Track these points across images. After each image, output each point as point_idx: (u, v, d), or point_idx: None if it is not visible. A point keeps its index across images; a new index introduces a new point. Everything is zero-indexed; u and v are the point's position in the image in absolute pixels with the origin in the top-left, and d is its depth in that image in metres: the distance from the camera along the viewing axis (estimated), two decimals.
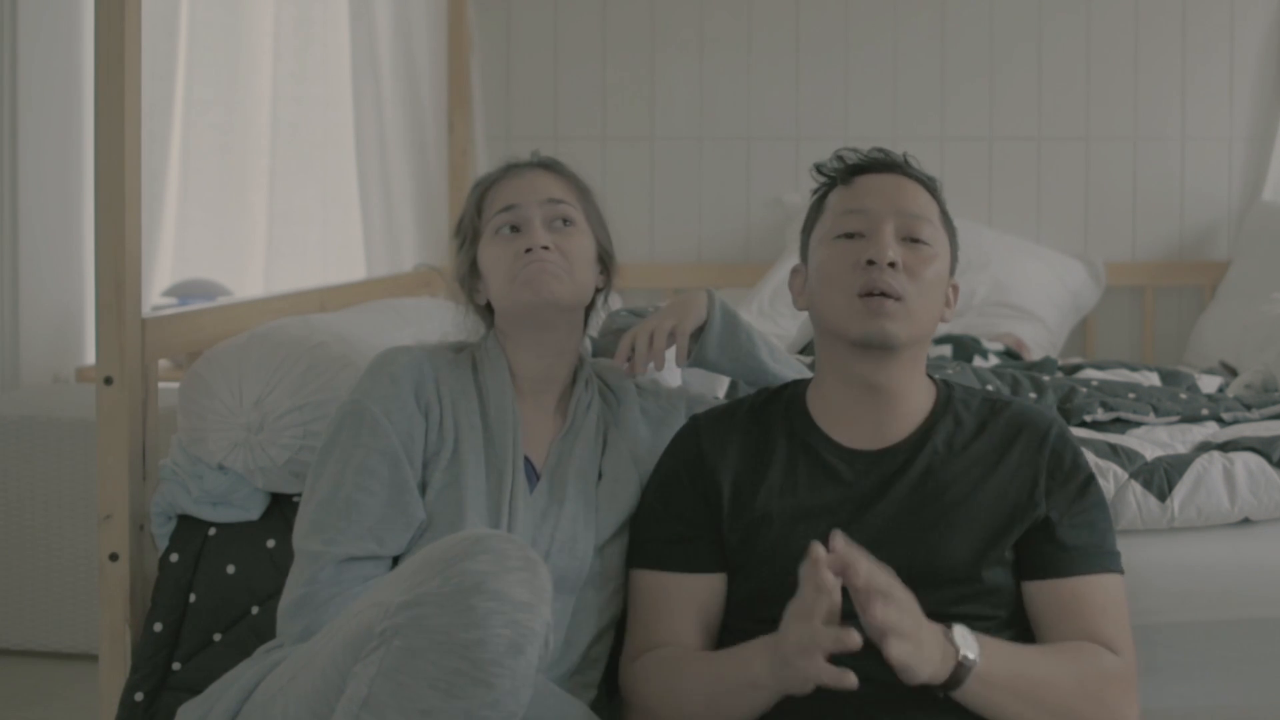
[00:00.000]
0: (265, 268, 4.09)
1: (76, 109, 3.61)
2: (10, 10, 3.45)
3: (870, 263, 1.67)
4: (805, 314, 1.82)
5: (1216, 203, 4.15)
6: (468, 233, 1.85)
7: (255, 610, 1.96)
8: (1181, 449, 2.20)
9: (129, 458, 1.98)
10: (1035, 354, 3.47)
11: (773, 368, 1.94)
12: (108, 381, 1.96)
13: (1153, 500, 1.98)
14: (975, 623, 1.60)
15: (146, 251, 2.23)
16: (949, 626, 1.56)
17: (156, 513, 2.02)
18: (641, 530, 1.79)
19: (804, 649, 1.48)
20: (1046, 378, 2.46)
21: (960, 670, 1.54)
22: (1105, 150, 4.15)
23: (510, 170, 1.86)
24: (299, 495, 1.96)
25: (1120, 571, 1.70)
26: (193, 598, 1.97)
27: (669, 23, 4.20)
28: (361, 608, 1.53)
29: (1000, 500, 1.68)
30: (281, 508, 2.02)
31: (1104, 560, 1.68)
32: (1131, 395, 2.41)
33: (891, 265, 1.67)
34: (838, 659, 1.47)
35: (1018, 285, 3.84)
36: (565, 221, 1.81)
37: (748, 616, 1.71)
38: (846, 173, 1.77)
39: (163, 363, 2.19)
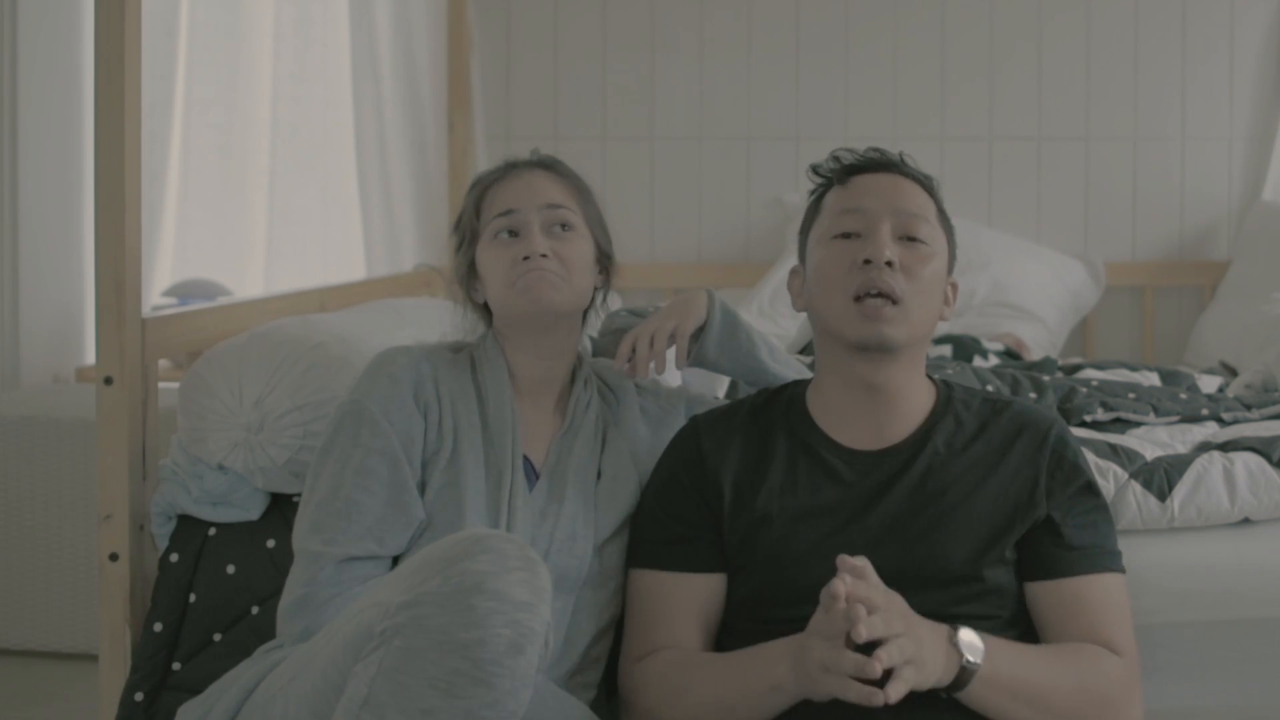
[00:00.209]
0: (265, 268, 4.09)
1: (76, 109, 3.61)
2: (10, 10, 3.45)
3: (867, 262, 1.67)
4: (805, 314, 1.82)
5: (1216, 203, 4.15)
6: (466, 233, 1.85)
7: (255, 610, 1.96)
8: (1181, 449, 2.20)
9: (129, 458, 1.98)
10: (1035, 354, 3.47)
11: (773, 368, 1.94)
12: (108, 381, 1.96)
13: (1153, 500, 1.98)
14: (978, 623, 1.60)
15: (146, 251, 2.23)
16: (955, 629, 1.56)
17: (156, 513, 2.02)
18: (641, 530, 1.79)
19: (826, 668, 1.49)
20: (1046, 378, 2.46)
21: (964, 674, 1.54)
22: (1105, 150, 4.15)
23: (509, 171, 1.85)
24: (299, 495, 1.96)
25: (1122, 571, 1.70)
26: (193, 598, 1.97)
27: (669, 23, 4.20)
28: (361, 608, 1.53)
29: (1001, 500, 1.68)
30: (281, 508, 2.02)
31: (1106, 560, 1.68)
32: (1131, 395, 2.41)
33: (889, 264, 1.66)
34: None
35: (1018, 285, 3.84)
36: (564, 226, 1.80)
37: (748, 617, 1.71)
38: (843, 173, 1.77)
39: (163, 363, 2.19)
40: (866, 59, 4.17)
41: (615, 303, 2.02)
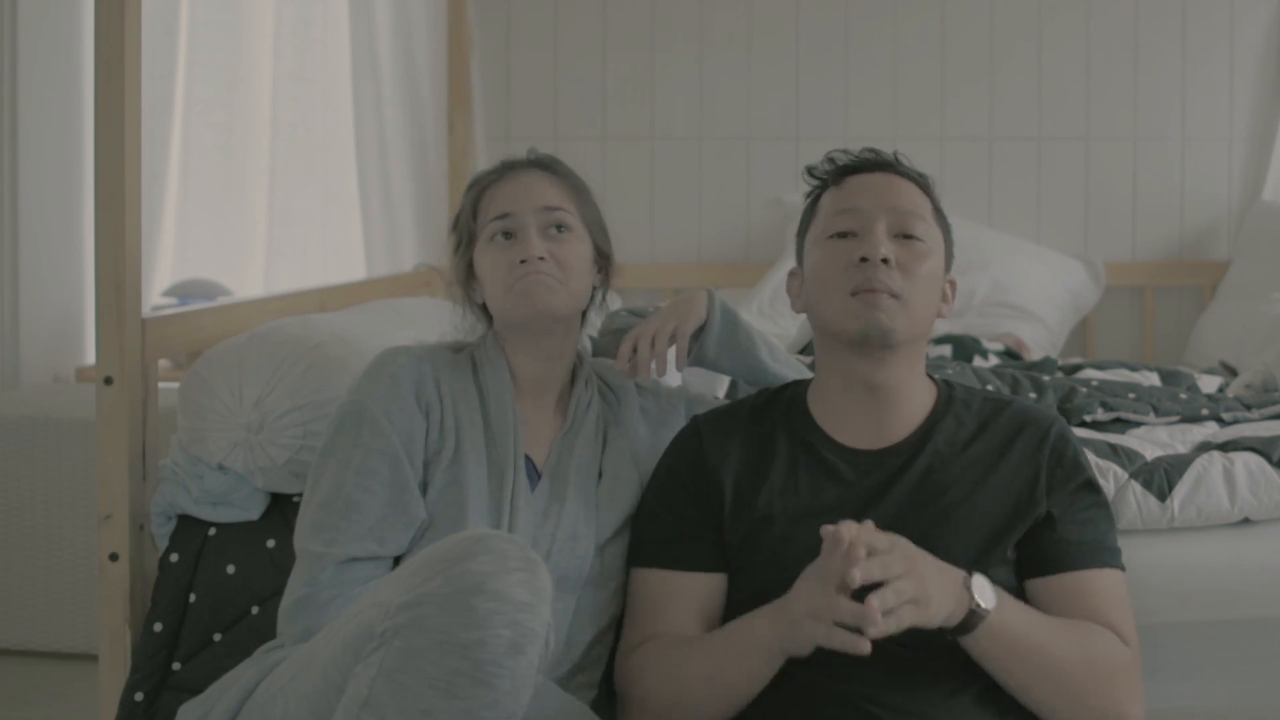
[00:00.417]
0: (265, 268, 4.09)
1: (76, 109, 3.61)
2: (10, 10, 3.45)
3: (864, 260, 1.67)
4: (804, 315, 1.82)
5: (1216, 203, 4.15)
6: (464, 234, 1.85)
7: (255, 610, 1.96)
8: (1181, 449, 2.20)
9: (129, 458, 1.98)
10: (1035, 354, 3.47)
11: (773, 367, 1.94)
12: (108, 381, 1.96)
13: (1153, 500, 1.98)
14: None
15: (146, 251, 2.23)
16: (971, 574, 1.56)
17: (156, 513, 2.02)
18: (642, 529, 1.79)
19: (814, 613, 1.49)
20: (1046, 378, 2.46)
21: (972, 618, 1.54)
22: (1105, 150, 4.15)
23: (506, 172, 1.85)
24: (299, 495, 1.96)
25: (1121, 568, 1.70)
26: (193, 598, 1.97)
27: (669, 23, 4.20)
28: (362, 608, 1.53)
29: (1002, 499, 1.69)
30: (281, 508, 2.02)
31: (1105, 556, 1.69)
32: (1131, 395, 2.41)
33: (885, 262, 1.67)
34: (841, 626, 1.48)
35: (1018, 285, 3.84)
36: (560, 228, 1.80)
37: (749, 613, 1.71)
38: (837, 174, 1.78)
39: (163, 363, 2.19)
40: (866, 59, 4.17)
41: (615, 303, 2.02)
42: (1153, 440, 2.22)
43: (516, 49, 4.21)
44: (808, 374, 1.92)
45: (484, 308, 1.86)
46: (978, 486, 1.69)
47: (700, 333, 1.90)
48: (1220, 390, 2.76)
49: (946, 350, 3.06)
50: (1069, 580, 1.66)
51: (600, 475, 1.82)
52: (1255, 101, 4.12)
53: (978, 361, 2.96)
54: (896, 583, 1.47)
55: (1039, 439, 1.72)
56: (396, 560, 1.72)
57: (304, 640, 1.66)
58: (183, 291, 3.73)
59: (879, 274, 1.67)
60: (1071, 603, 1.65)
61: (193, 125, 3.98)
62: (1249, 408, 2.42)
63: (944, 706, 1.58)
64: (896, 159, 1.77)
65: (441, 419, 1.75)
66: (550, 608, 1.46)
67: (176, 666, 1.96)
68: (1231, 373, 3.13)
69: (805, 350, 2.77)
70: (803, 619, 1.51)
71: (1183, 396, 2.44)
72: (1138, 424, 2.34)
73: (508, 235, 1.79)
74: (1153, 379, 2.70)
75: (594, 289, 1.86)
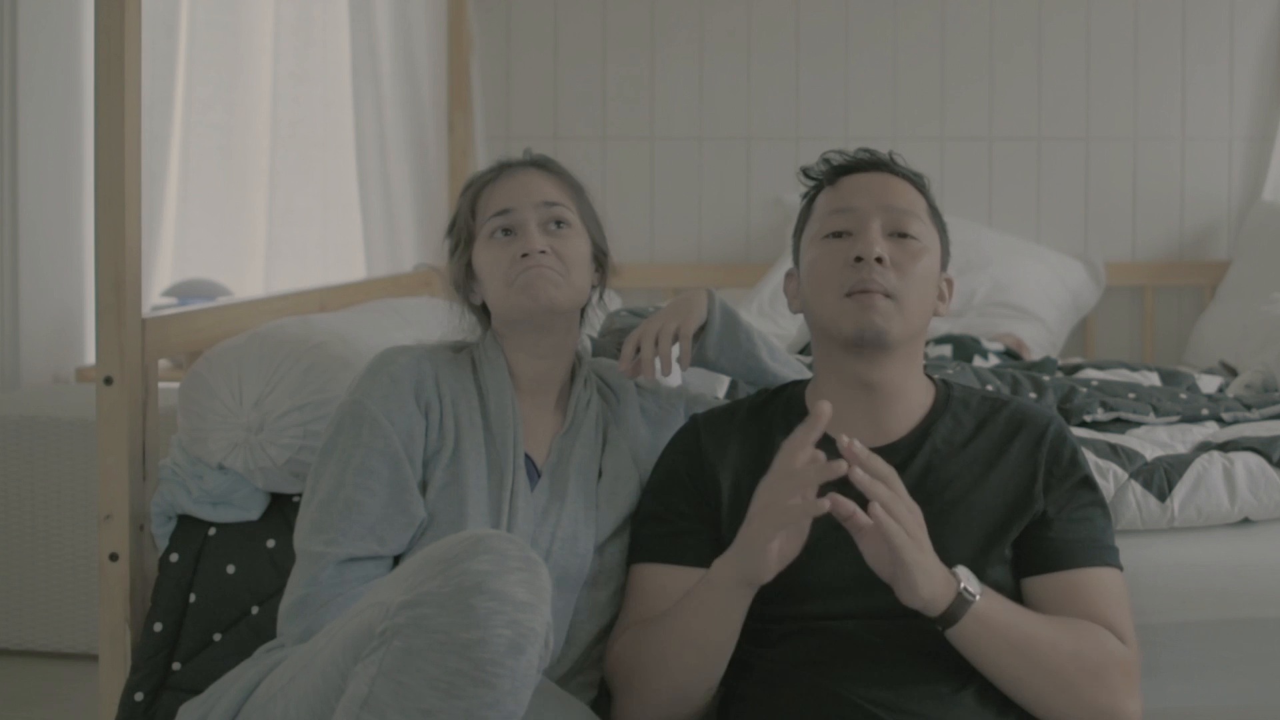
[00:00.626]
0: (265, 268, 4.09)
1: (76, 109, 3.61)
2: (10, 10, 3.45)
3: (858, 259, 1.68)
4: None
5: (1216, 203, 4.15)
6: (462, 235, 1.85)
7: (255, 610, 1.96)
8: (1181, 449, 2.20)
9: (129, 458, 1.98)
10: (1035, 354, 3.47)
11: (772, 367, 1.94)
12: (108, 381, 1.96)
13: (1153, 500, 1.98)
14: None
15: (146, 251, 2.23)
16: (954, 566, 1.58)
17: (156, 513, 2.02)
18: (641, 526, 1.80)
19: (765, 505, 1.51)
20: (1046, 378, 2.46)
21: (960, 602, 1.54)
22: (1105, 150, 4.15)
23: (503, 171, 1.85)
24: (299, 495, 1.96)
25: (1119, 567, 1.70)
26: (193, 598, 1.97)
27: (669, 23, 4.20)
28: (362, 608, 1.53)
29: (999, 497, 1.69)
30: (281, 508, 2.02)
31: (1102, 554, 1.68)
32: (1131, 395, 2.41)
33: (879, 261, 1.67)
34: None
35: (1018, 285, 3.84)
36: (560, 224, 1.80)
37: (750, 613, 1.70)
38: (832, 174, 1.79)
39: (163, 363, 2.19)
40: (866, 59, 4.17)
41: (615, 302, 2.02)
42: (1153, 440, 2.22)
43: (516, 49, 4.21)
44: (807, 374, 1.92)
45: (483, 308, 1.86)
46: (976, 485, 1.69)
47: (701, 332, 1.90)
48: (1220, 390, 2.76)
49: (946, 350, 3.06)
50: (1065, 579, 1.66)
51: (600, 474, 1.82)
52: (1255, 101, 4.12)
53: (978, 361, 2.97)
54: (893, 507, 1.50)
55: (1037, 437, 1.72)
56: (396, 560, 1.72)
57: (304, 640, 1.66)
58: (183, 291, 3.73)
59: (873, 273, 1.67)
60: (1068, 601, 1.65)
61: (193, 125, 3.98)
62: (1249, 408, 2.42)
63: (944, 706, 1.58)
64: (891, 158, 1.78)
65: (441, 418, 1.75)
66: (550, 607, 1.46)
67: (176, 666, 1.96)
68: (1231, 373, 3.13)
69: (805, 350, 2.77)
70: (758, 515, 1.52)
71: (1183, 396, 2.44)
72: (1138, 424, 2.34)
73: (508, 232, 1.79)
74: (1153, 379, 2.70)
75: (592, 287, 1.86)
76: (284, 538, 1.96)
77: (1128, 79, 4.13)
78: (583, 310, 1.87)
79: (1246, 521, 2.03)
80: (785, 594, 1.65)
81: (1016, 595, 1.68)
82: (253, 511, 2.01)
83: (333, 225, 4.10)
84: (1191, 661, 1.93)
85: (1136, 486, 1.98)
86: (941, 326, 3.47)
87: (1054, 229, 4.16)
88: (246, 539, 2.00)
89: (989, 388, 2.23)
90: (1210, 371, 3.13)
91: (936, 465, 1.70)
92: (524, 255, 1.76)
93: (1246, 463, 2.02)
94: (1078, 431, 2.19)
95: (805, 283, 1.77)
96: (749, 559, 1.55)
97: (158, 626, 1.96)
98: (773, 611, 1.67)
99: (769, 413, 1.80)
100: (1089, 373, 2.76)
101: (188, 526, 2.01)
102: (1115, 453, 2.06)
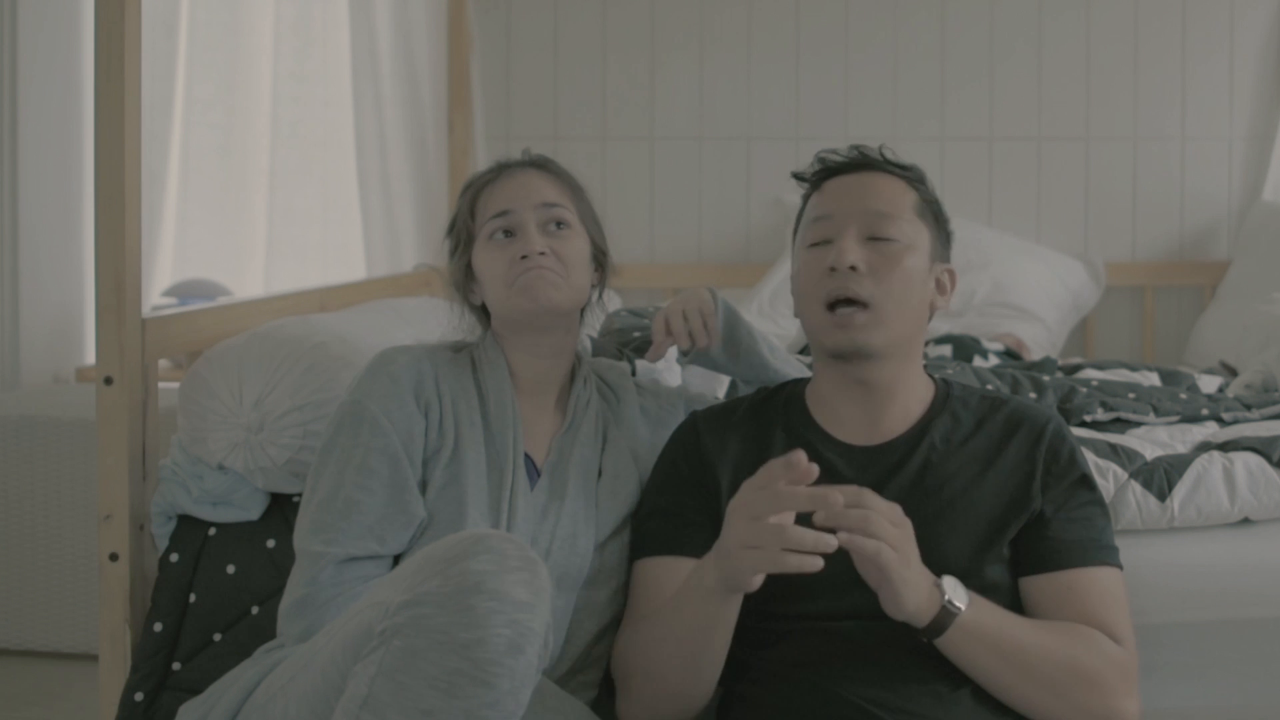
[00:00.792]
0: (265, 268, 4.10)
1: (76, 109, 3.61)
2: (10, 10, 3.45)
3: (833, 269, 1.68)
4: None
5: (1216, 203, 4.15)
6: (462, 235, 1.85)
7: (255, 610, 1.96)
8: (1181, 449, 2.20)
9: (129, 458, 1.98)
10: (1035, 354, 3.47)
11: (774, 364, 1.95)
12: (108, 381, 1.96)
13: (1153, 500, 1.98)
14: None
15: (146, 251, 2.23)
16: (939, 577, 1.57)
17: (156, 513, 2.02)
18: (644, 522, 1.79)
19: (744, 543, 1.46)
20: (1046, 378, 2.46)
21: (945, 615, 1.54)
22: (1105, 150, 4.15)
23: (502, 171, 1.85)
24: (299, 495, 1.96)
25: (1118, 566, 1.69)
26: (193, 598, 1.98)
27: (669, 23, 4.21)
28: (362, 607, 1.53)
29: (998, 496, 1.69)
30: (281, 508, 2.02)
31: (1101, 553, 1.68)
32: (1131, 395, 2.41)
33: (853, 269, 1.67)
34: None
35: (1018, 285, 3.84)
36: (559, 224, 1.80)
37: (747, 612, 1.70)
38: (817, 178, 1.79)
39: (163, 363, 2.18)
40: (866, 59, 4.17)
41: (615, 302, 2.03)
42: (1153, 440, 2.22)
43: (516, 49, 4.21)
44: (808, 373, 1.92)
45: (482, 309, 1.86)
46: (974, 483, 1.69)
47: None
48: (1220, 390, 2.76)
49: (946, 350, 3.06)
50: (1063, 578, 1.66)
51: (600, 473, 1.82)
52: (1255, 101, 4.12)
53: (978, 361, 2.97)
54: (869, 526, 1.47)
55: (1035, 436, 1.72)
56: (396, 559, 1.72)
57: (304, 640, 1.66)
58: (183, 291, 3.73)
59: (848, 282, 1.68)
60: (1065, 601, 1.65)
61: (193, 125, 3.99)
62: (1249, 408, 2.42)
63: (942, 705, 1.58)
64: (881, 154, 1.77)
65: (441, 418, 1.75)
66: (550, 607, 1.46)
67: (176, 666, 1.96)
68: (1231, 373, 3.13)
69: (805, 350, 2.77)
70: (737, 550, 1.48)
71: (1183, 396, 2.44)
72: (1138, 424, 2.34)
73: (508, 233, 1.79)
74: (1153, 379, 2.70)
75: (592, 287, 1.86)
76: (284, 538, 1.96)
77: (1127, 79, 4.13)
78: (583, 310, 1.87)
79: (1246, 521, 2.03)
80: (783, 592, 1.65)
81: (1015, 594, 1.68)
82: (253, 511, 2.01)
83: (333, 225, 4.10)
84: (1191, 661, 1.93)
85: (1136, 486, 1.98)
86: (941, 326, 3.47)
87: (1054, 229, 4.16)
88: (246, 539, 2.00)
89: (989, 387, 2.23)
90: (1210, 371, 3.13)
91: (935, 463, 1.70)
92: (523, 257, 1.76)
93: (1246, 463, 2.02)
94: (1078, 431, 2.19)
95: (793, 292, 1.78)
96: (733, 577, 1.52)
97: (158, 626, 1.96)
98: (772, 611, 1.67)
99: (768, 410, 1.81)
100: (1089, 373, 2.76)
101: (188, 526, 2.01)
102: (1115, 452, 2.06)
